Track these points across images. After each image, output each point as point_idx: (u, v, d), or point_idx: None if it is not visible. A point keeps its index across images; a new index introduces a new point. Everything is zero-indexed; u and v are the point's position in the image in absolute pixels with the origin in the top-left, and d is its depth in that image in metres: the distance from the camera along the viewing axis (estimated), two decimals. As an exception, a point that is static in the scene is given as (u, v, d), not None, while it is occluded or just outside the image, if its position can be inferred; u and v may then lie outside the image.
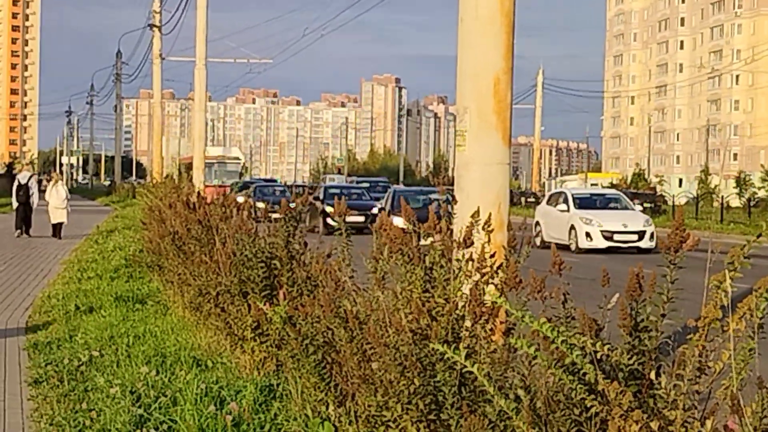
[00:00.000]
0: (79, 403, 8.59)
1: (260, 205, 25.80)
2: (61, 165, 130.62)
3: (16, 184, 36.46)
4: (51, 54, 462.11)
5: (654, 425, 3.60)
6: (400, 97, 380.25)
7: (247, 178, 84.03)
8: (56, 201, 34.87)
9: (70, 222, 36.13)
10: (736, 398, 3.49)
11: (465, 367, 4.86)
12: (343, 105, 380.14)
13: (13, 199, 36.00)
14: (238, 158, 69.17)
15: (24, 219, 34.97)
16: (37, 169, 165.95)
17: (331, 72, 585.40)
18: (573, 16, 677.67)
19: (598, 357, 3.93)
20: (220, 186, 57.53)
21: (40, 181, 37.63)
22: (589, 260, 27.40)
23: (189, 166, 66.46)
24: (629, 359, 3.91)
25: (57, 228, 34.69)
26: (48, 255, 27.05)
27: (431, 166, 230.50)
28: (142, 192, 35.58)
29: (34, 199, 35.38)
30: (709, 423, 3.58)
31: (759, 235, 3.95)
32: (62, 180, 39.77)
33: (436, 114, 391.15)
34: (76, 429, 7.49)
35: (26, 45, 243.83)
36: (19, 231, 34.68)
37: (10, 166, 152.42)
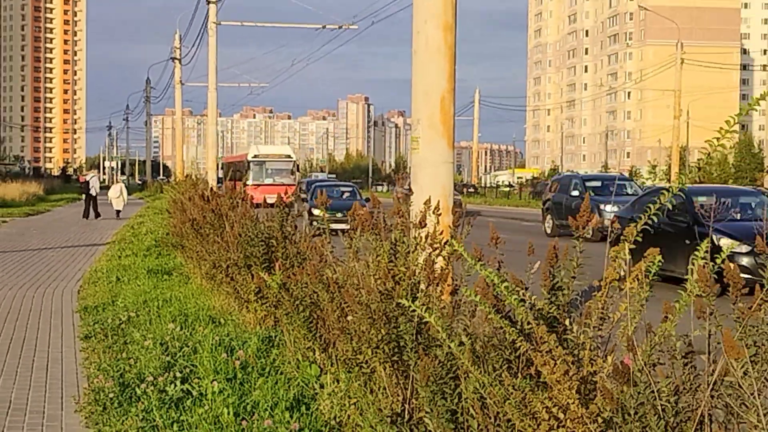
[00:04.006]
0: (120, 353, 8.58)
1: (317, 212, 15.49)
2: (104, 168, 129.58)
3: (83, 181, 42.34)
4: (95, 81, 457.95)
5: (570, 359, 3.61)
6: (369, 111, 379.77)
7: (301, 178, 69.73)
8: (112, 193, 39.33)
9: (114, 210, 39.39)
10: (631, 340, 3.50)
11: (422, 319, 4.87)
12: (324, 118, 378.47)
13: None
14: (289, 156, 52.61)
15: (88, 206, 38.43)
16: (85, 171, 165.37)
17: (315, 92, 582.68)
18: (502, 47, 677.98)
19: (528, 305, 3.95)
20: (272, 185, 45.69)
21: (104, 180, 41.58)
22: None
23: (230, 166, 58.81)
24: (549, 309, 3.92)
25: (117, 212, 38.76)
26: (94, 238, 26.93)
27: (393, 165, 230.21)
28: (168, 188, 35.78)
29: (93, 192, 38.75)
30: (609, 359, 3.60)
31: (649, 216, 3.96)
32: (121, 181, 43.53)
33: (396, 125, 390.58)
34: (117, 373, 7.46)
35: (75, 75, 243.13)
36: (85, 217, 37.97)
37: (64, 170, 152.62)
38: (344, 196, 32.85)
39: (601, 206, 26.13)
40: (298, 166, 53.75)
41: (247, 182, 42.98)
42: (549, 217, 29.53)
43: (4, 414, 7.11)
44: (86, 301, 12.95)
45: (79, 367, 8.79)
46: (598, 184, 28.96)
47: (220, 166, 54.84)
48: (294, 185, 45.91)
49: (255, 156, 51.51)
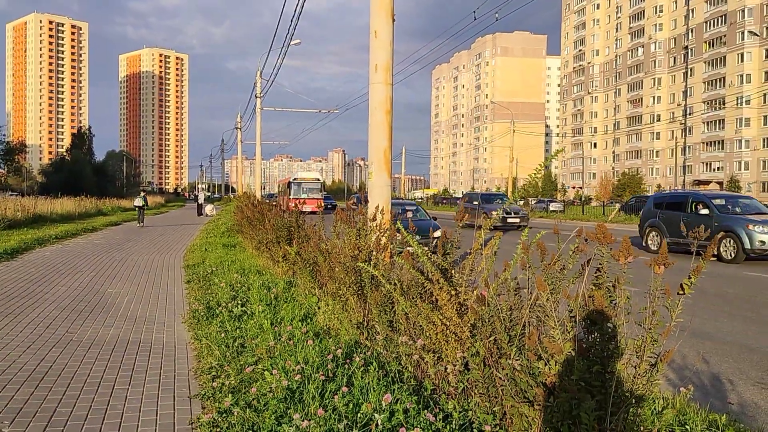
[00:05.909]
0: (207, 290, 8.46)
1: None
2: (198, 188, 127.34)
3: (194, 195, 43.08)
4: (193, 138, 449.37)
5: (452, 292, 3.62)
6: (345, 157, 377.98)
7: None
8: (209, 209, 39.30)
9: (205, 212, 39.35)
10: (487, 281, 3.52)
11: (373, 272, 4.85)
12: (320, 161, 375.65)
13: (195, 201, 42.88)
14: (318, 179, 45.38)
15: (199, 209, 40.06)
16: (187, 190, 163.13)
17: (315, 146, 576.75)
18: (416, 122, 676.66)
19: (431, 261, 3.94)
20: (306, 199, 39.78)
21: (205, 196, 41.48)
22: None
23: (281, 185, 53.83)
24: (442, 264, 3.93)
25: (206, 215, 38.42)
26: (194, 227, 26.47)
27: (358, 187, 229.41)
28: (233, 199, 35.34)
29: (200, 201, 40.51)
30: (476, 292, 3.62)
31: (494, 218, 4.01)
32: (212, 203, 43.30)
33: (360, 165, 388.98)
34: (204, 301, 7.36)
35: (182, 135, 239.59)
36: (199, 215, 39.01)
37: (176, 189, 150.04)
38: (409, 216, 15.08)
39: (750, 227, 14.31)
40: (323, 185, 46.22)
41: (291, 196, 40.52)
42: (654, 234, 16.85)
43: (143, 323, 6.98)
44: (187, 261, 12.74)
45: (184, 297, 8.64)
46: (722, 202, 15.90)
47: (262, 187, 51.49)
48: (321, 199, 41.20)
49: (295, 179, 45.34)
